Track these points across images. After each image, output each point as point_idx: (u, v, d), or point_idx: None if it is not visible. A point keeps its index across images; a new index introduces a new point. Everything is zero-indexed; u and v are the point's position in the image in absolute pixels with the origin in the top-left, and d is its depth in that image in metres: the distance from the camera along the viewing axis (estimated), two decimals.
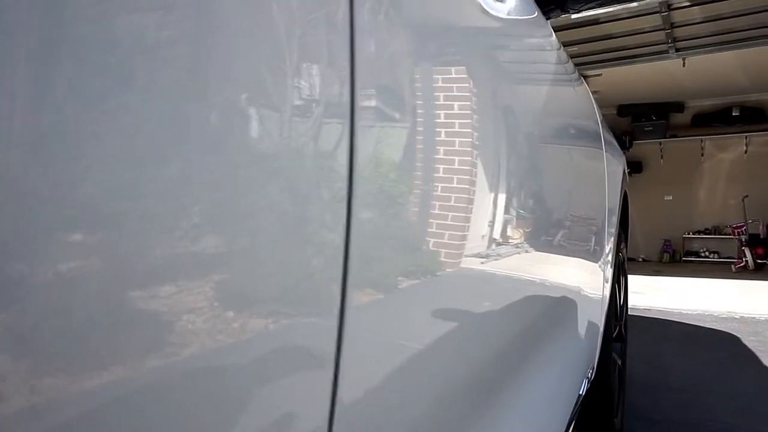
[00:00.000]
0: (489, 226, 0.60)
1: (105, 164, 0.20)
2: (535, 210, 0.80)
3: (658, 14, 5.00)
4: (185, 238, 0.23)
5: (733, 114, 8.51)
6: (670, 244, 9.21)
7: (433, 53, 0.50)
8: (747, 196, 8.40)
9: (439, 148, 0.48)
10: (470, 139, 0.54)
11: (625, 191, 1.89)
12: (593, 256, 1.24)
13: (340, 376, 0.33)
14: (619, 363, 1.75)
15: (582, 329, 1.14)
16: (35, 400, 0.19)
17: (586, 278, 1.18)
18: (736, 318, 4.09)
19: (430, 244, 0.46)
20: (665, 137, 9.10)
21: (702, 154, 9.07)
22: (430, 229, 0.46)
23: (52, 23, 0.19)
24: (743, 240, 8.10)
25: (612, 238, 1.48)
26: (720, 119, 8.68)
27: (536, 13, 0.97)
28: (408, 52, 0.45)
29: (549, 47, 1.04)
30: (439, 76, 0.50)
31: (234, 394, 0.26)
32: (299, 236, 0.29)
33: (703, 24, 5.21)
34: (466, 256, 0.53)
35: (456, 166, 0.51)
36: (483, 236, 0.59)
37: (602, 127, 1.53)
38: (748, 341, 3.33)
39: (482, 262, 0.59)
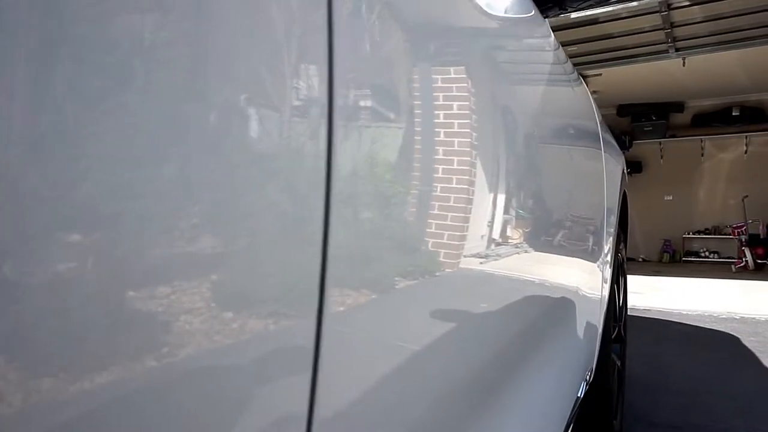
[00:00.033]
0: (485, 226, 0.60)
1: (96, 165, 0.20)
2: (532, 210, 0.79)
3: (657, 14, 4.99)
4: (177, 238, 0.23)
5: (733, 114, 8.52)
6: (670, 244, 9.22)
7: (426, 52, 0.50)
8: (747, 196, 8.41)
9: (436, 148, 0.47)
10: (467, 140, 0.53)
11: (625, 191, 1.88)
12: (592, 256, 1.23)
13: (335, 377, 0.33)
14: (619, 364, 1.74)
15: (580, 330, 1.13)
16: (33, 400, 0.19)
17: (584, 279, 1.17)
18: (736, 318, 4.09)
19: (427, 245, 0.46)
20: (665, 137, 9.11)
21: (702, 154, 9.08)
22: (428, 230, 0.46)
23: (50, 23, 0.19)
24: (743, 240, 8.10)
25: (611, 238, 1.48)
26: (720, 119, 8.68)
27: (534, 12, 0.96)
28: (400, 50, 0.44)
29: (547, 46, 1.03)
30: (433, 76, 0.50)
31: (226, 394, 0.26)
32: (280, 237, 0.28)
33: (703, 23, 5.21)
34: (461, 256, 0.53)
35: (451, 167, 0.50)
36: (479, 236, 0.58)
37: (601, 127, 1.52)
38: (748, 342, 3.33)
39: (478, 263, 0.58)
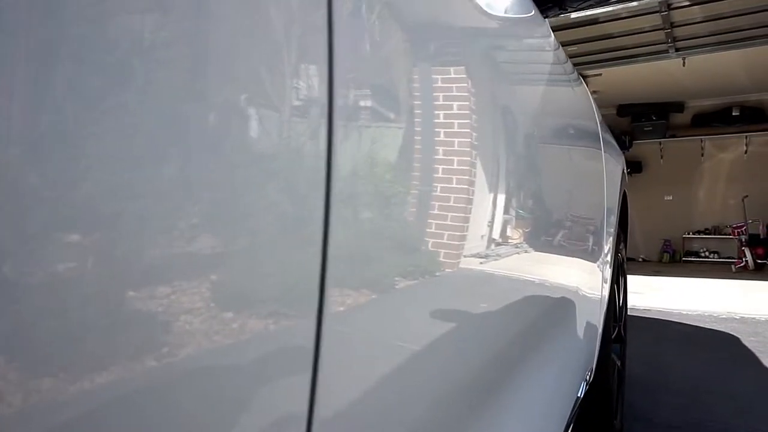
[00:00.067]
0: (484, 226, 0.60)
1: (94, 165, 0.20)
2: (532, 210, 0.79)
3: (657, 14, 4.99)
4: (177, 238, 0.23)
5: (733, 114, 8.51)
6: (670, 244, 9.21)
7: (426, 51, 0.50)
8: (747, 196, 8.40)
9: (436, 148, 0.47)
10: (466, 140, 0.53)
11: (625, 191, 1.88)
12: (591, 256, 1.23)
13: (335, 377, 0.33)
14: (619, 364, 1.74)
15: (580, 330, 1.13)
16: (32, 400, 0.19)
17: (584, 279, 1.17)
18: (736, 318, 4.08)
19: (426, 245, 0.46)
20: (665, 137, 9.10)
21: (702, 154, 9.07)
22: (427, 230, 0.46)
23: (46, 23, 0.19)
24: (743, 240, 8.10)
25: (611, 238, 1.47)
26: (720, 119, 8.67)
27: (534, 12, 0.96)
28: (399, 50, 0.44)
29: (547, 46, 1.03)
30: (433, 76, 0.50)
31: (225, 394, 0.26)
32: (280, 237, 0.28)
33: (702, 23, 5.21)
34: (460, 256, 0.53)
35: (451, 167, 0.50)
36: (478, 236, 0.58)
37: (601, 127, 1.52)
38: (748, 342, 3.33)
39: (477, 263, 0.58)
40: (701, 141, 8.98)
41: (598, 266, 1.31)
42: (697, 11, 4.99)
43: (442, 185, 0.48)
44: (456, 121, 0.52)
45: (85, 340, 0.20)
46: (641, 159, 9.26)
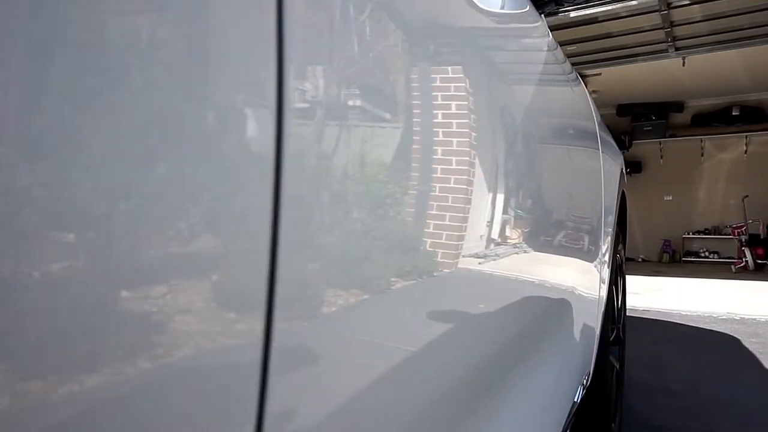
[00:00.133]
0: (479, 226, 0.58)
1: (77, 166, 0.21)
2: (526, 210, 0.77)
3: (657, 13, 4.98)
4: (172, 239, 0.24)
5: (733, 113, 8.53)
6: (670, 244, 9.21)
7: (416, 48, 0.48)
8: (747, 196, 8.40)
9: (429, 148, 0.47)
10: (459, 139, 0.52)
11: (623, 191, 1.86)
12: (588, 256, 1.21)
13: (331, 378, 0.33)
14: (617, 367, 1.72)
15: (577, 333, 1.11)
16: (27, 400, 0.19)
17: (581, 280, 1.14)
18: (736, 319, 4.07)
19: (420, 246, 0.46)
20: (665, 137, 9.11)
21: (702, 154, 9.07)
22: (421, 230, 0.46)
23: (46, 23, 0.19)
24: (743, 240, 8.09)
25: (609, 238, 1.45)
26: (720, 119, 8.68)
27: (528, 7, 0.93)
28: (389, 46, 0.43)
29: (542, 43, 1.01)
30: (424, 73, 0.49)
31: (227, 394, 0.26)
32: (228, 237, 0.27)
33: (702, 23, 5.20)
34: (454, 257, 0.52)
35: (444, 167, 0.49)
36: (472, 237, 0.56)
37: (599, 127, 1.50)
38: (749, 343, 3.31)
39: (472, 264, 0.57)
40: (701, 141, 8.98)
41: (596, 267, 1.29)
42: (697, 10, 4.98)
43: (438, 185, 0.48)
44: (447, 120, 0.51)
45: (69, 339, 0.21)
46: (641, 159, 9.26)
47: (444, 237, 0.50)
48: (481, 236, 0.59)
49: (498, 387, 0.68)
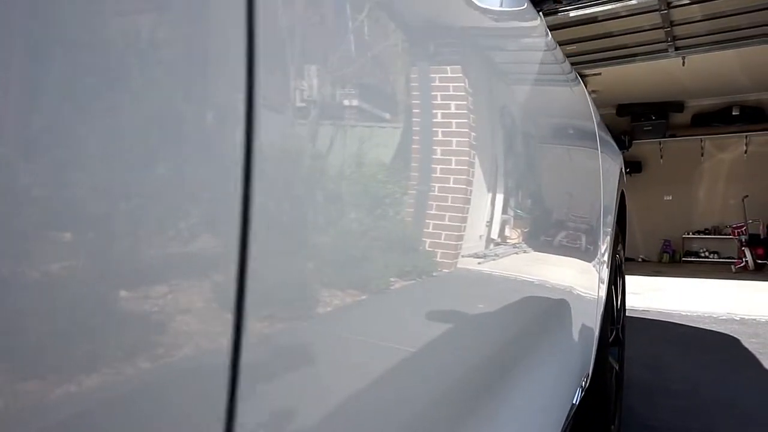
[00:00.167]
0: (476, 226, 0.57)
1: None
2: (523, 209, 0.75)
3: (657, 12, 4.97)
4: (172, 239, 0.24)
5: (733, 113, 8.53)
6: (670, 244, 9.21)
7: (410, 46, 0.48)
8: (747, 196, 8.40)
9: (422, 147, 0.46)
10: (453, 139, 0.51)
11: (623, 191, 1.85)
12: (587, 256, 1.20)
13: (327, 378, 0.34)
14: (617, 368, 1.70)
15: (575, 334, 1.09)
16: (24, 399, 0.19)
17: (579, 280, 1.13)
18: (736, 319, 4.06)
19: (417, 246, 0.46)
20: (665, 137, 9.11)
21: (702, 154, 9.07)
22: (418, 230, 0.46)
23: (46, 23, 0.20)
24: (743, 240, 8.09)
25: (607, 238, 1.44)
26: (720, 119, 8.68)
27: (525, 4, 0.92)
28: (383, 44, 0.42)
29: (539, 41, 0.99)
30: (417, 71, 0.48)
31: (218, 395, 0.26)
32: (195, 236, 0.26)
33: (702, 22, 5.19)
34: (451, 257, 0.51)
35: (438, 166, 0.49)
36: (469, 237, 0.55)
37: (598, 126, 1.49)
38: (749, 343, 3.30)
39: (468, 264, 0.56)
40: (701, 141, 8.98)
41: (595, 267, 1.27)
42: (697, 10, 4.97)
43: (434, 185, 0.47)
44: (442, 120, 0.51)
45: (64, 340, 0.21)
46: (641, 159, 9.26)
47: (440, 237, 0.50)
48: (476, 236, 0.58)
49: (495, 390, 0.67)
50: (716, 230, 8.93)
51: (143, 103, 0.23)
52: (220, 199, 0.26)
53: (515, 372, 0.74)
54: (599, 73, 6.69)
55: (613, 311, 1.67)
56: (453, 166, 0.51)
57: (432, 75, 0.50)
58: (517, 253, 0.73)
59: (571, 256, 1.07)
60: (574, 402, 1.08)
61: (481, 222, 0.59)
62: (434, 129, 0.49)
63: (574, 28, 5.16)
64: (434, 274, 0.49)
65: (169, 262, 0.25)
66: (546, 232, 0.88)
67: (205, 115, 0.26)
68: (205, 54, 0.26)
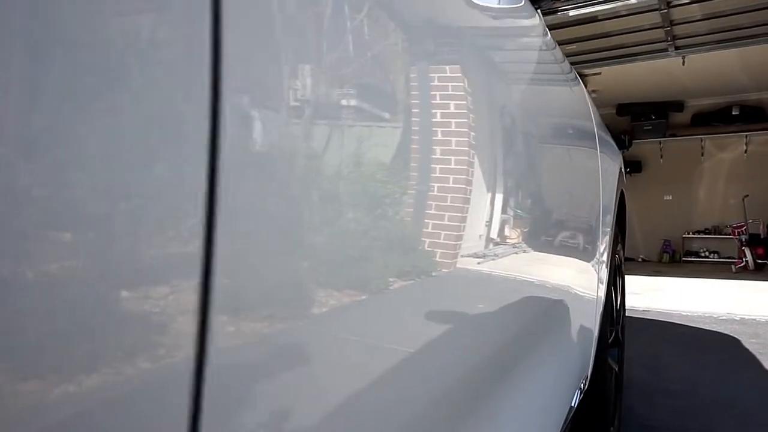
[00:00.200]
0: (474, 226, 0.57)
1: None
2: (520, 209, 0.75)
3: (657, 11, 4.96)
4: (170, 239, 0.24)
5: (733, 113, 8.52)
6: (670, 244, 9.20)
7: (403, 45, 0.47)
8: (747, 195, 8.39)
9: (416, 146, 0.46)
10: (449, 138, 0.51)
11: (622, 190, 1.84)
12: (586, 256, 1.19)
13: (325, 379, 0.34)
14: (616, 369, 1.70)
15: (574, 335, 1.09)
16: (21, 399, 0.19)
17: (577, 280, 1.13)
18: (736, 320, 4.05)
19: (414, 246, 0.46)
20: (665, 136, 9.10)
21: (702, 154, 9.06)
22: (416, 231, 0.46)
23: (43, 23, 0.20)
24: (743, 240, 8.08)
25: (606, 238, 1.44)
26: (720, 118, 8.67)
27: (523, 2, 0.92)
28: (374, 41, 0.42)
29: (537, 39, 0.99)
30: (412, 69, 0.47)
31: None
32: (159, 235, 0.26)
33: (702, 21, 5.18)
34: (448, 257, 0.51)
35: (432, 165, 0.48)
36: (467, 237, 0.55)
37: (597, 125, 1.48)
38: (749, 343, 3.29)
39: (466, 264, 0.55)
40: (701, 140, 8.97)
41: (593, 267, 1.27)
42: (697, 9, 4.96)
43: (433, 185, 0.47)
44: (437, 119, 0.50)
45: (64, 340, 0.21)
46: (641, 158, 9.25)
47: (438, 237, 0.49)
48: (472, 235, 0.58)
49: (494, 391, 0.66)
50: (716, 230, 8.93)
51: (142, 103, 0.23)
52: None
53: (512, 375, 0.73)
54: (599, 73, 6.68)
55: (613, 312, 1.66)
56: (448, 166, 0.50)
57: (427, 73, 0.50)
58: (514, 253, 0.72)
59: (569, 256, 1.07)
60: (572, 405, 1.08)
61: (477, 221, 0.58)
62: (429, 128, 0.48)
63: (573, 27, 5.14)
64: (432, 274, 0.49)
65: (169, 262, 0.24)
66: (544, 232, 0.88)
67: (205, 114, 0.26)
68: (203, 54, 0.26)
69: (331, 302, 0.35)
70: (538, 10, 1.02)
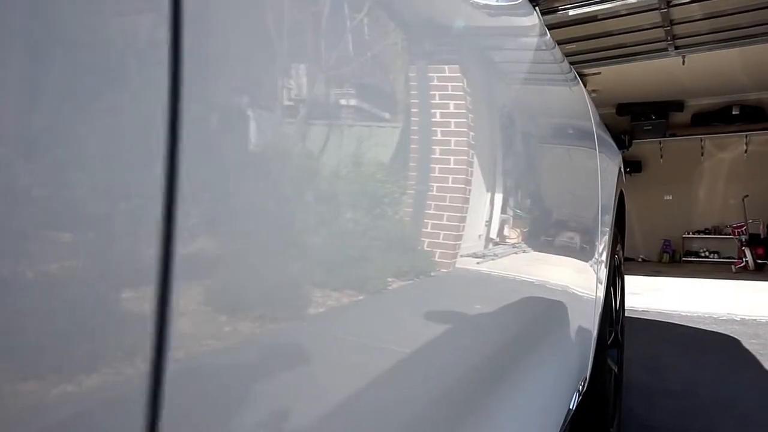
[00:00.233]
0: (471, 226, 0.57)
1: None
2: (518, 209, 0.75)
3: (657, 11, 4.96)
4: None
5: (733, 113, 8.51)
6: (670, 244, 9.19)
7: (400, 43, 0.47)
8: (747, 195, 8.39)
9: (413, 146, 0.46)
10: (448, 138, 0.51)
11: (622, 190, 1.84)
12: (584, 256, 1.19)
13: (323, 379, 0.34)
14: (615, 370, 1.69)
15: (572, 336, 1.09)
16: (26, 401, 0.20)
17: (576, 280, 1.12)
18: (736, 320, 4.05)
19: (412, 246, 0.46)
20: (665, 136, 9.09)
21: (702, 154, 9.06)
22: (414, 231, 0.46)
23: (43, 23, 0.20)
24: (743, 240, 8.08)
25: (606, 238, 1.43)
26: (720, 118, 8.66)
27: (521, 0, 0.91)
28: (370, 39, 0.42)
29: (535, 37, 0.99)
30: (408, 68, 0.47)
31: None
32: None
33: (702, 21, 5.18)
34: (446, 258, 0.51)
35: (425, 165, 0.48)
36: (465, 237, 0.55)
37: (596, 125, 1.48)
38: (749, 344, 3.29)
39: (464, 265, 0.55)
40: (701, 140, 8.96)
41: (592, 267, 1.27)
42: (697, 9, 4.96)
43: (432, 185, 0.47)
44: (435, 119, 0.50)
45: (64, 340, 0.21)
46: (641, 158, 9.24)
47: (437, 237, 0.49)
48: (471, 236, 0.58)
49: (491, 394, 0.66)
50: (716, 230, 8.92)
51: (142, 103, 0.23)
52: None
53: (509, 378, 0.73)
54: (599, 73, 6.68)
55: (612, 312, 1.66)
56: (447, 166, 0.50)
57: (424, 72, 0.50)
58: (513, 253, 0.72)
59: (568, 256, 1.06)
60: (570, 407, 1.07)
61: (475, 221, 0.58)
62: (427, 127, 0.48)
63: (573, 27, 5.14)
64: (431, 274, 0.49)
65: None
66: (542, 232, 0.88)
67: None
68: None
69: (330, 302, 0.35)
70: (537, 9, 1.02)
